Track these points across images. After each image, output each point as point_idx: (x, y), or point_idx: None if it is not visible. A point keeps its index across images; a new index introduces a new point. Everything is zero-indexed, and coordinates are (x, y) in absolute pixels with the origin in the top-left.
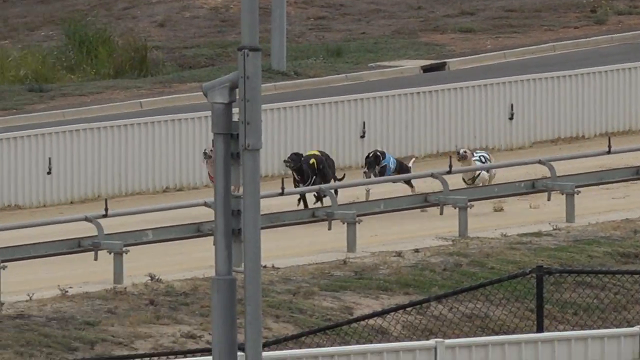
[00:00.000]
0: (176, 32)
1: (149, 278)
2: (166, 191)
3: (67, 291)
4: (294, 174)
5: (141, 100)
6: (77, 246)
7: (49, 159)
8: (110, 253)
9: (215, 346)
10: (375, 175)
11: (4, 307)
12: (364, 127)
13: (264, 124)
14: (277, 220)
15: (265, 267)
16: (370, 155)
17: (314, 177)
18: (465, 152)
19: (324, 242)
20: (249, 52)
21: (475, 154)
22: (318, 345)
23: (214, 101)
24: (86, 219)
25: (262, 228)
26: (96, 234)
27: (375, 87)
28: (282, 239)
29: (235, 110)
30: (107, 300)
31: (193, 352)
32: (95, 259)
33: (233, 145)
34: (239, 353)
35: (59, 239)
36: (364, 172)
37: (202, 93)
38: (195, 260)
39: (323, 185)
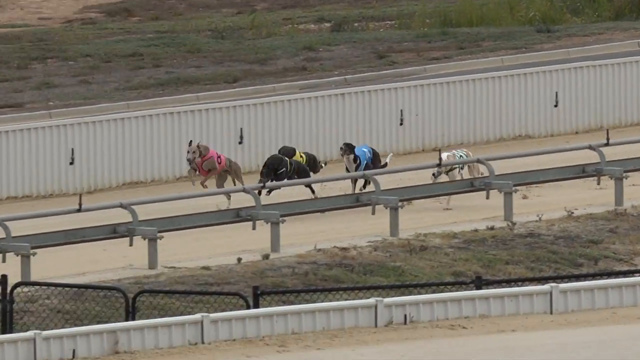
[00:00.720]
0: None
1: None
2: None
3: (572, 213)
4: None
5: (638, 40)
6: (581, 172)
7: (556, 92)
8: (611, 179)
9: None
10: (350, 163)
11: (516, 226)
12: None
13: None
14: None
15: None
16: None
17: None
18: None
19: None
20: None
21: (455, 152)
22: None
23: None
24: (591, 147)
25: None
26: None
27: None
28: None
29: None
30: (609, 221)
31: None
32: (598, 183)
33: None
34: None
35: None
36: (341, 152)
37: None
38: None
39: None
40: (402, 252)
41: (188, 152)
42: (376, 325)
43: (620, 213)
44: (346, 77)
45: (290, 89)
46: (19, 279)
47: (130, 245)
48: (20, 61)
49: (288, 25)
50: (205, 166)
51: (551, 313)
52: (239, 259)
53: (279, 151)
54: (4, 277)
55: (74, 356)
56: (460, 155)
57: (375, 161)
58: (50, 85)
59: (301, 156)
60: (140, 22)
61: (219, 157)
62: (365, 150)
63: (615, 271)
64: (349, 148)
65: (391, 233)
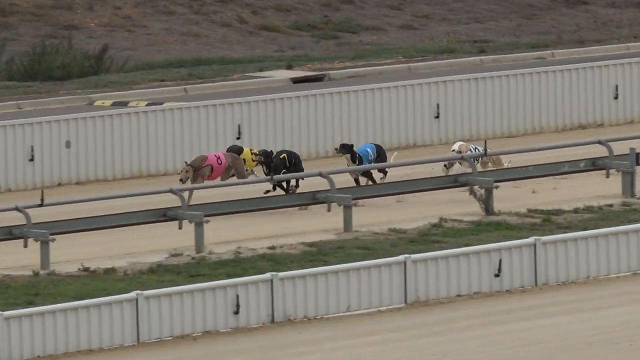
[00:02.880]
0: None
1: None
2: None
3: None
4: (264, 168)
5: None
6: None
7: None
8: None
9: None
10: (349, 162)
11: None
12: None
13: None
14: None
15: None
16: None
17: (285, 170)
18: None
19: None
20: None
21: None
22: None
23: None
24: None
25: None
26: None
27: None
28: None
29: None
30: None
31: None
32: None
33: None
34: None
35: None
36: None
37: None
38: None
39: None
40: None
41: (180, 172)
42: None
43: None
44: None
45: None
46: None
47: None
48: None
49: None
50: (202, 173)
51: None
52: None
53: (228, 149)
54: None
55: None
56: (476, 148)
57: (379, 159)
58: None
59: (252, 152)
60: None
61: (218, 158)
62: (368, 149)
63: None
64: (344, 148)
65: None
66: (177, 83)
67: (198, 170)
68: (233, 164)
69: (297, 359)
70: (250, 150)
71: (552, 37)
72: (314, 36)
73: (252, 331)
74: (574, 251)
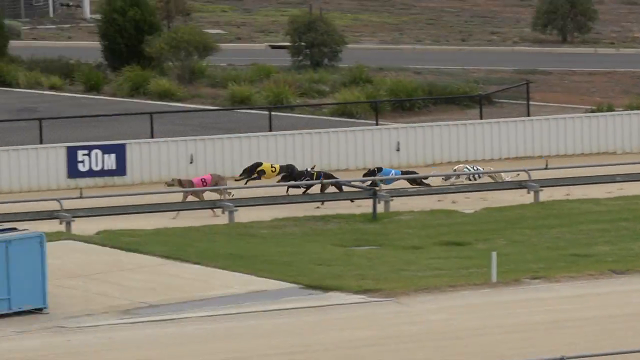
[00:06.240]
0: None
1: None
2: None
3: None
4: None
5: None
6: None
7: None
8: None
9: None
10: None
11: None
12: None
13: None
14: None
15: None
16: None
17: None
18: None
19: None
20: None
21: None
22: None
23: None
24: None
25: None
26: None
27: None
28: None
29: None
30: None
31: None
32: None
33: None
34: None
35: None
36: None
37: None
38: None
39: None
40: None
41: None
42: None
43: None
44: None
45: None
46: None
47: None
48: None
49: None
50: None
51: None
52: None
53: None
54: None
55: None
56: (476, 168)
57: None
58: None
59: (272, 167)
60: None
61: (204, 180)
62: (392, 171)
63: None
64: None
65: None
66: None
67: (185, 186)
68: (216, 183)
69: None
70: (271, 165)
71: None
72: None
73: None
74: None
